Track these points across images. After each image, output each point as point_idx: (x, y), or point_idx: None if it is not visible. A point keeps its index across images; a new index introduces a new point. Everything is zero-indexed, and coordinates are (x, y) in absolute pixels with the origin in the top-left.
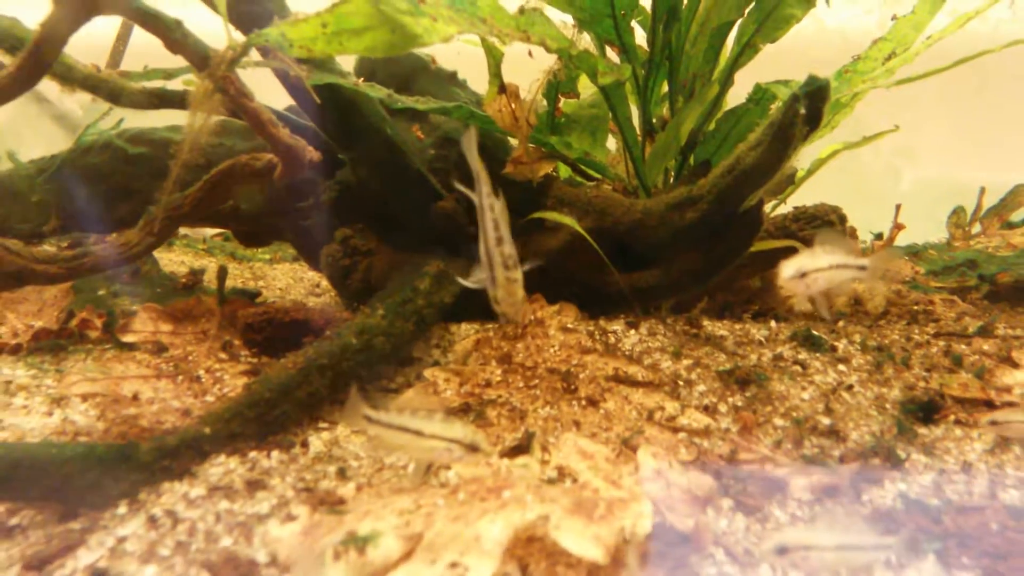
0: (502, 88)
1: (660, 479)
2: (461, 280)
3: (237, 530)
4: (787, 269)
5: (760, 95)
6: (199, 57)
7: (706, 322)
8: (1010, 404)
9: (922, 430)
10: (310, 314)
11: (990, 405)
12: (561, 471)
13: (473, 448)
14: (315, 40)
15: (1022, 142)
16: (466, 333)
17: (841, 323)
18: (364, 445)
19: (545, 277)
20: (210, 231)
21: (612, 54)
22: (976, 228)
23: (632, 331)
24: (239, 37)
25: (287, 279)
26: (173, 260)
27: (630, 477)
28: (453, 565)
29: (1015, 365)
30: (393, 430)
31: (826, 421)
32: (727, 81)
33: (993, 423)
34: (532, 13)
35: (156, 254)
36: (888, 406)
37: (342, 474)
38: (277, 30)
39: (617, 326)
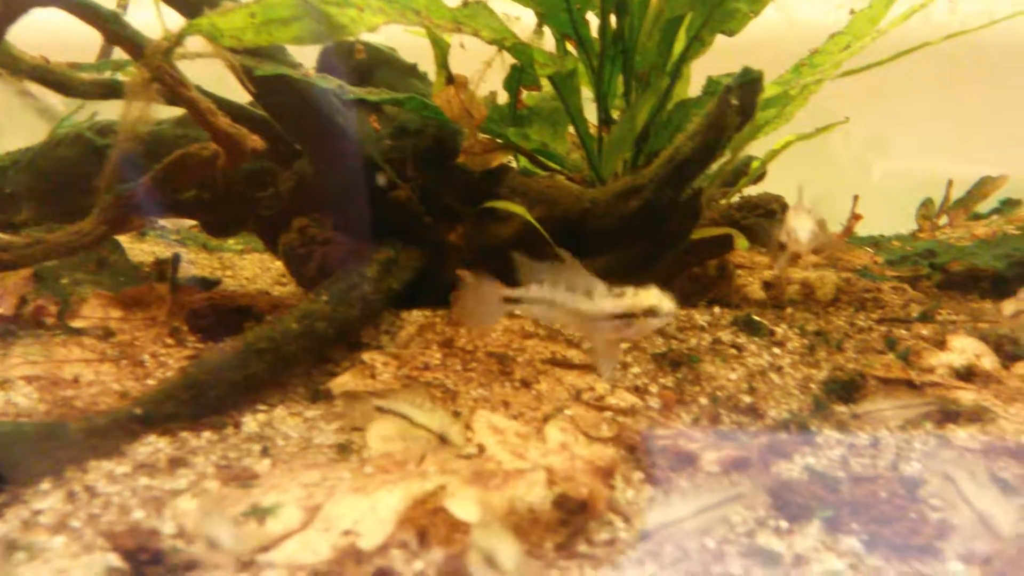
0: (450, 79)
1: (565, 452)
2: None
3: (151, 504)
4: (803, 233)
5: (713, 87)
6: (137, 48)
7: None
8: (932, 384)
9: (840, 408)
10: (256, 300)
11: (911, 384)
12: (480, 448)
13: (652, 313)
14: (244, 30)
15: (990, 135)
16: (416, 320)
17: (789, 310)
18: (297, 426)
19: (497, 264)
20: (188, 222)
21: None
22: (944, 220)
23: None
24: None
25: (255, 268)
26: (144, 250)
27: (536, 451)
28: (346, 532)
29: (944, 347)
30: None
31: (748, 399)
32: (677, 72)
33: (855, 417)
34: (475, 6)
35: (127, 244)
36: (813, 386)
37: (265, 452)
38: (208, 20)
39: None
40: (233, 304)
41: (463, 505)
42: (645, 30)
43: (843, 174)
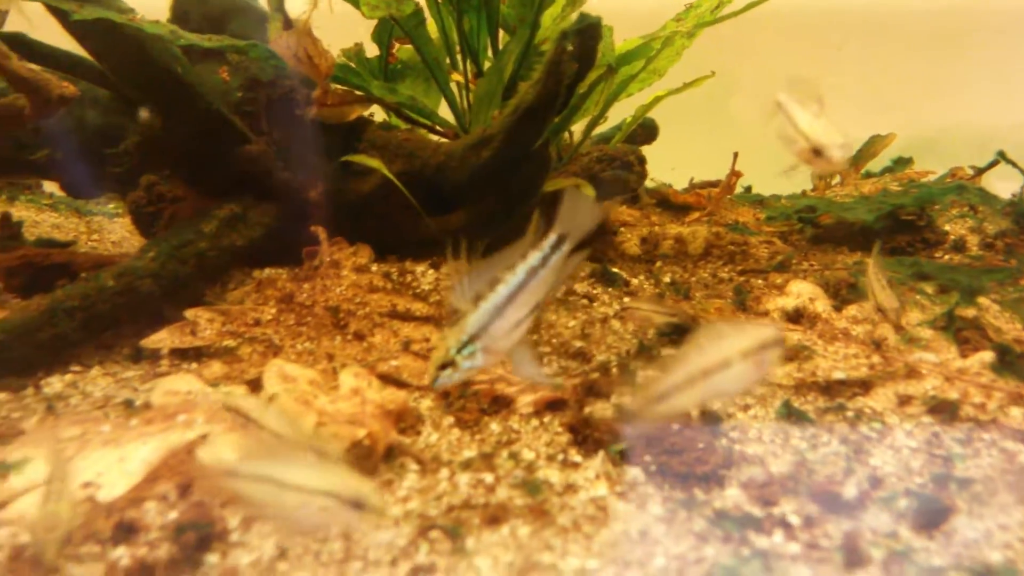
0: (287, 24)
1: (356, 397)
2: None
3: None
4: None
5: None
6: None
7: None
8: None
9: (669, 350)
10: (75, 257)
11: None
12: (269, 397)
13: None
14: None
15: (882, 95)
16: (265, 276)
17: (659, 264)
18: (108, 386)
19: (359, 221)
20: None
21: None
22: (837, 179)
23: (432, 271)
24: None
25: (125, 232)
26: (12, 215)
27: (326, 397)
28: (86, 485)
29: (783, 292)
30: None
31: (578, 344)
32: (535, 23)
33: (624, 309)
34: None
35: None
36: (651, 332)
37: (51, 410)
38: None
39: (421, 267)
40: (47, 261)
41: (212, 451)
42: None
43: (744, 134)
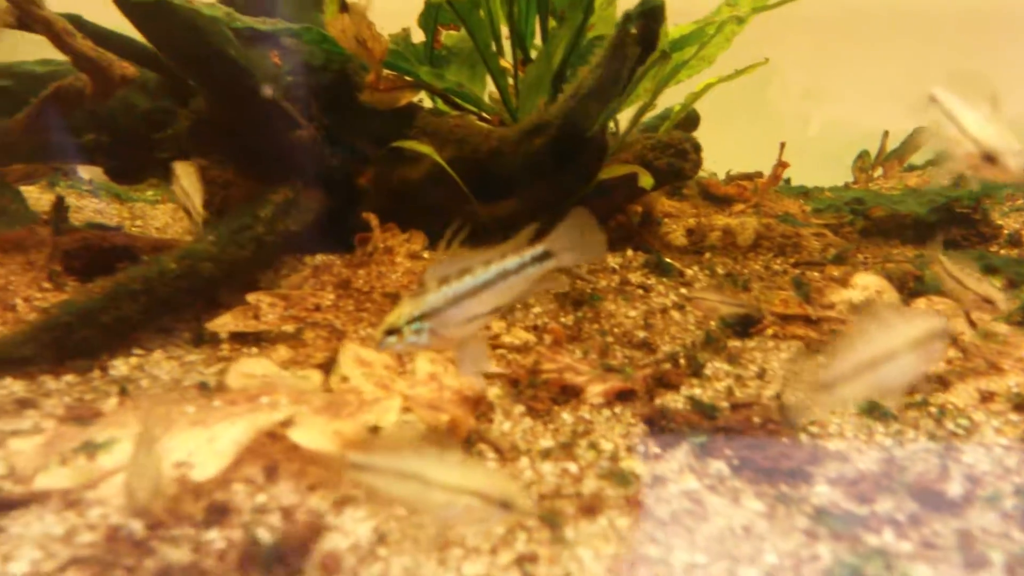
0: (344, 6)
1: (433, 382)
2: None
3: None
4: (1013, 145)
5: None
6: None
7: None
8: (828, 319)
9: (734, 342)
10: (135, 240)
11: (807, 320)
12: (344, 380)
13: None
14: None
15: (924, 87)
16: (318, 262)
17: (708, 255)
18: (172, 369)
19: (408, 207)
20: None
21: None
22: (879, 171)
23: None
24: None
25: (167, 218)
26: (52, 201)
27: (404, 382)
28: (178, 465)
29: (847, 285)
30: None
31: (642, 335)
32: (588, 8)
33: (690, 299)
34: None
35: (36, 194)
36: (713, 323)
37: (123, 392)
38: None
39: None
40: (107, 243)
41: (305, 432)
42: None
43: (783, 126)
